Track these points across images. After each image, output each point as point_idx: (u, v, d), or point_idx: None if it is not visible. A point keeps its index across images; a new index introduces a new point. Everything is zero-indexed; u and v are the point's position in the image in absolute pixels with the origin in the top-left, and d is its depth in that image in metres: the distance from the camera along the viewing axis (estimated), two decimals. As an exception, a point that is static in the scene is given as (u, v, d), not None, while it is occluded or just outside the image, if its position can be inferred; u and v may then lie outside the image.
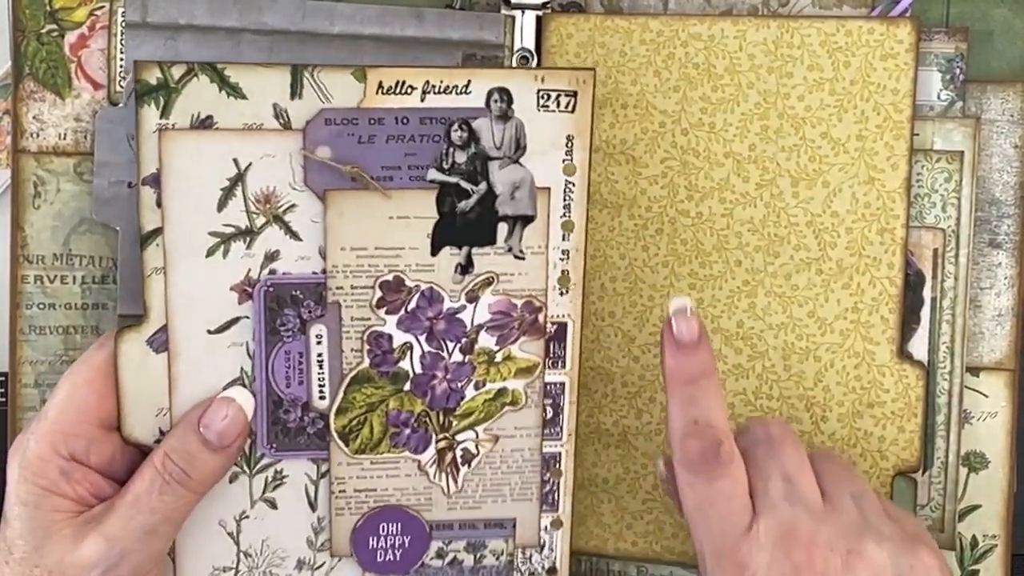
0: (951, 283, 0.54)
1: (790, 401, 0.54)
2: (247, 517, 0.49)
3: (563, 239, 0.49)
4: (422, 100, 0.46)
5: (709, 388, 0.46)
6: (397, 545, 0.50)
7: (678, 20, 0.53)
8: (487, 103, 0.47)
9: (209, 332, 0.47)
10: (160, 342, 0.47)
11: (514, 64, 0.53)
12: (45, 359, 0.53)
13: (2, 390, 0.54)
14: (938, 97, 0.54)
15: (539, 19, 0.53)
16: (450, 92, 0.46)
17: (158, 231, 0.46)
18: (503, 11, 0.53)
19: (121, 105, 0.52)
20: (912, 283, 0.53)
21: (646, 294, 0.54)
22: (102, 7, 0.52)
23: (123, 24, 0.52)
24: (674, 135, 0.53)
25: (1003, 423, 0.55)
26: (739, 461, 0.45)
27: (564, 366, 0.50)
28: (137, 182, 0.46)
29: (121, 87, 0.52)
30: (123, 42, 0.52)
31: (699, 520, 0.46)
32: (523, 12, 0.53)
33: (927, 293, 0.54)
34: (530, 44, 0.53)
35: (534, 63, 0.53)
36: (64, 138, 0.52)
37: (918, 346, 0.54)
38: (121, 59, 0.52)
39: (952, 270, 0.54)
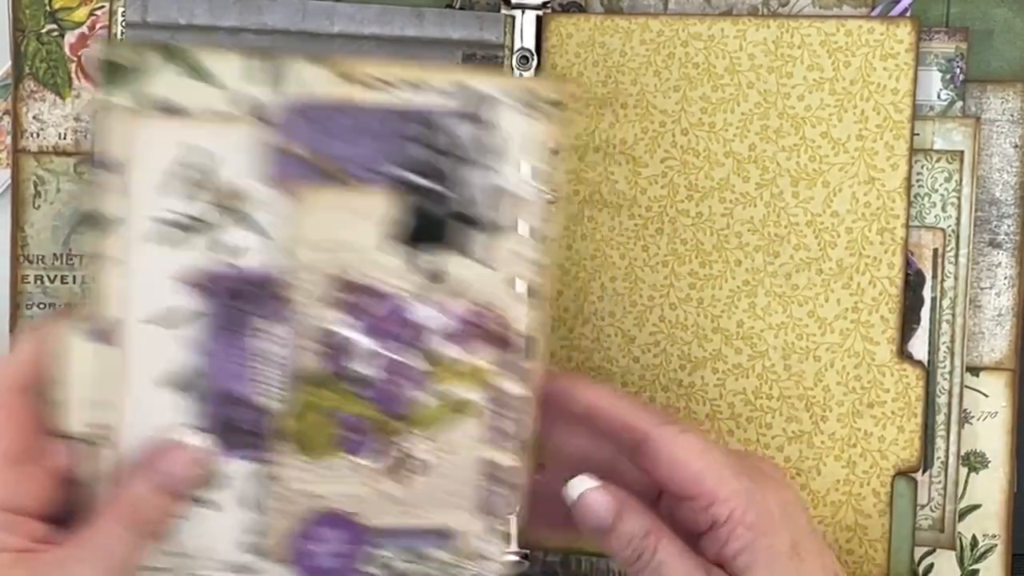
0: (951, 283, 0.54)
1: (790, 401, 0.54)
2: (183, 517, 0.47)
3: (533, 251, 0.46)
4: (399, 97, 0.44)
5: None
6: (337, 552, 0.48)
7: (678, 20, 0.53)
8: (466, 105, 0.45)
9: (159, 325, 0.45)
10: (103, 332, 0.45)
11: (514, 64, 0.53)
12: (45, 359, 0.53)
13: (2, 390, 0.54)
14: (938, 97, 0.54)
15: (539, 19, 0.53)
16: (429, 91, 0.44)
17: (113, 217, 0.44)
18: (503, 11, 0.53)
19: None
20: (912, 283, 0.53)
21: (646, 294, 0.54)
22: (102, 7, 0.52)
23: (123, 24, 0.52)
24: (674, 135, 0.53)
25: (1003, 423, 0.55)
26: None
27: (522, 378, 0.48)
28: (93, 165, 0.44)
29: (121, 87, 0.52)
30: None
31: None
32: (523, 12, 0.53)
33: (927, 293, 0.54)
34: (530, 44, 0.53)
35: (534, 63, 0.53)
36: (64, 138, 0.52)
37: (918, 346, 0.54)
38: (121, 59, 0.52)
39: (952, 270, 0.54)
